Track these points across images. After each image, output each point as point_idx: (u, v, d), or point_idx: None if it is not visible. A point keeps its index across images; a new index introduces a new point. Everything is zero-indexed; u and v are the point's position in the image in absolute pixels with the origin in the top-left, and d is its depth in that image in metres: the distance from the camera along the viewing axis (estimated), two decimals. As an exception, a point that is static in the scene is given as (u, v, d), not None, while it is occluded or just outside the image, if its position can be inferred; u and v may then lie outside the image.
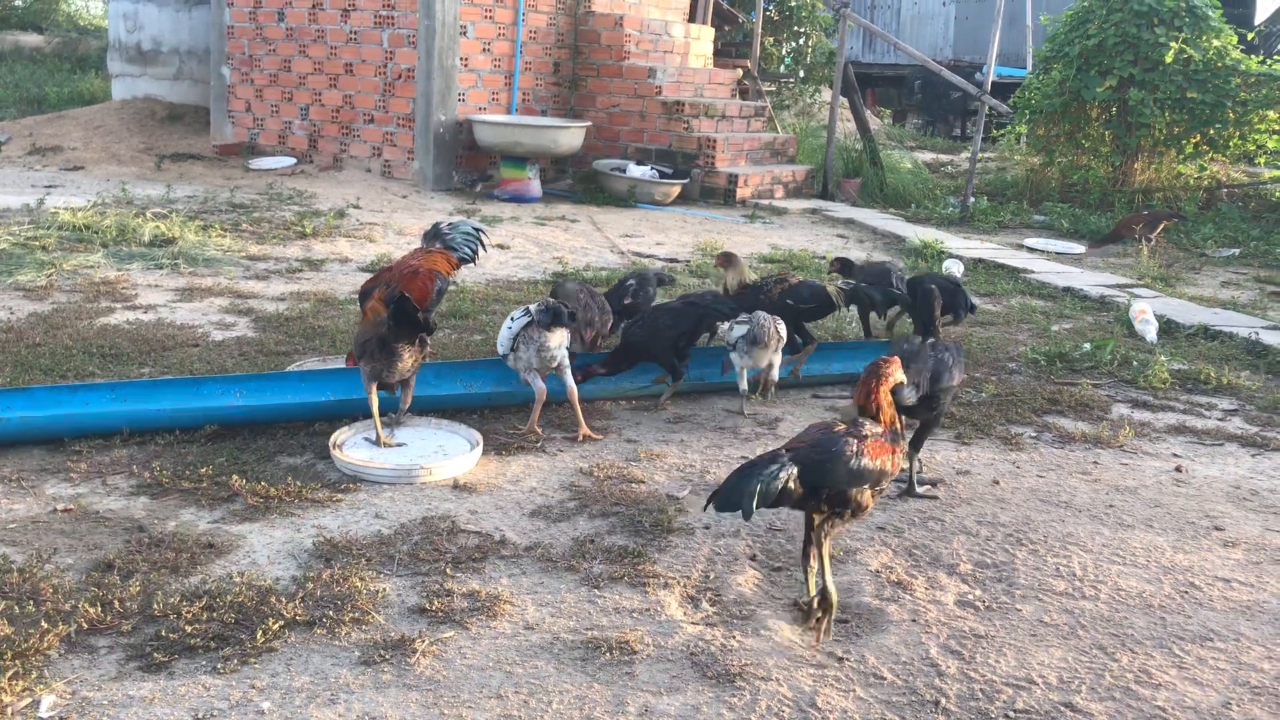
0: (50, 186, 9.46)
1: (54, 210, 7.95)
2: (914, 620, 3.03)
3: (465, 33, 10.62)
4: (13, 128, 12.27)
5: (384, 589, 3.01)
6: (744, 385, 4.70)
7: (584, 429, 4.27)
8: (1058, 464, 4.31)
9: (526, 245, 8.23)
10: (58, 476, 3.63)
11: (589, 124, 11.05)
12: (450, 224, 5.21)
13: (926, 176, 12.29)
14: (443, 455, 3.94)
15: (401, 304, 3.85)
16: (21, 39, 20.22)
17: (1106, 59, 11.06)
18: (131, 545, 3.17)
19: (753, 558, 3.35)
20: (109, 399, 3.97)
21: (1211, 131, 11.14)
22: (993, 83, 11.30)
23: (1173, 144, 11.29)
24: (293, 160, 11.35)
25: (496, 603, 2.97)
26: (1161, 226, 9.39)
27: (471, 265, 4.88)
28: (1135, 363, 5.66)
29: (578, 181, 11.13)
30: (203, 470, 3.67)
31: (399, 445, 4.00)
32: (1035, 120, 12.09)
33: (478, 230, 5.13)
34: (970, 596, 3.18)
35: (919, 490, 3.87)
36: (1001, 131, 14.28)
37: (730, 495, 2.69)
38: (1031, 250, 9.26)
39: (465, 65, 10.69)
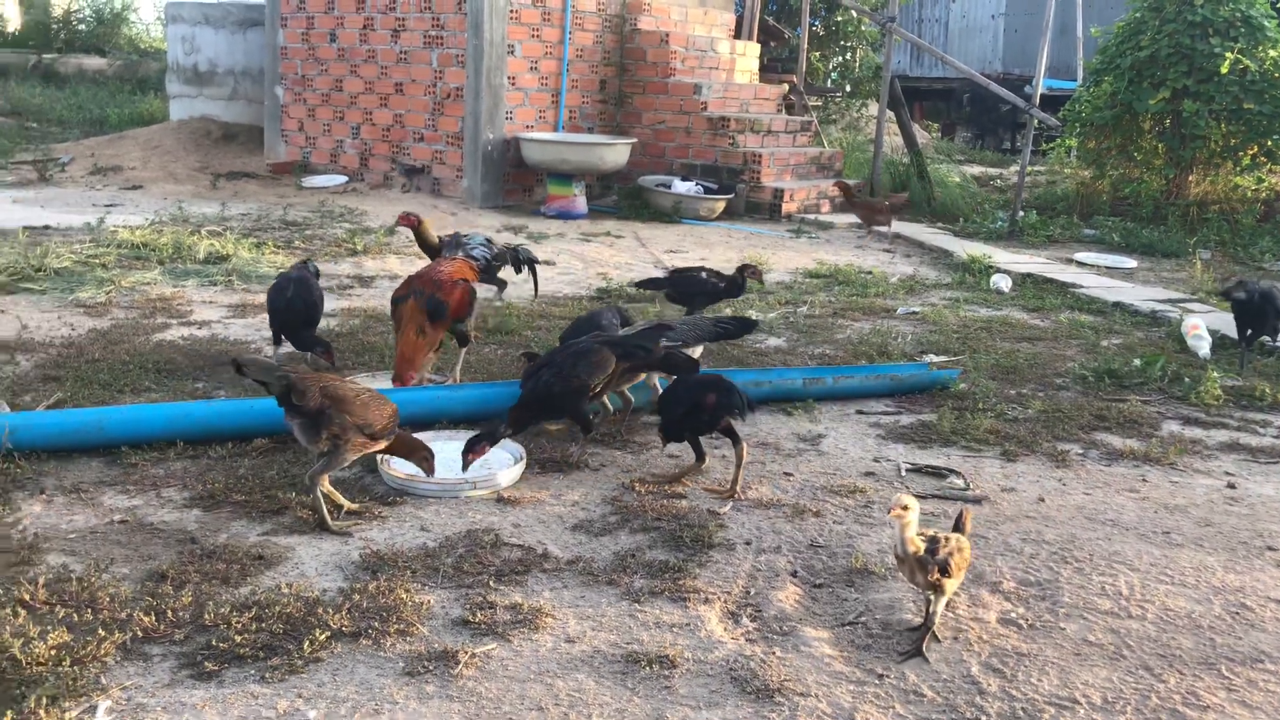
0: (110, 205, 9.71)
1: (113, 229, 8.17)
2: (955, 638, 3.02)
3: (513, 52, 10.76)
4: (76, 148, 12.63)
5: (428, 601, 3.06)
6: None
7: None
8: (1105, 481, 4.26)
9: (572, 261, 8.30)
10: (115, 488, 3.74)
11: (634, 140, 11.12)
12: (467, 235, 5.38)
13: (975, 190, 12.19)
14: (487, 469, 3.99)
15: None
16: (85, 62, 20.82)
17: (1159, 70, 10.91)
18: (184, 556, 3.25)
19: (794, 574, 3.36)
20: None
21: (1269, 143, 10.92)
22: (1042, 95, 11.18)
23: (1229, 156, 11.08)
24: (344, 178, 11.55)
25: (538, 616, 3.00)
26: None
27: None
28: (1187, 379, 5.57)
29: (623, 198, 11.20)
30: (254, 483, 3.76)
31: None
32: (1086, 133, 11.95)
33: (490, 242, 5.31)
34: (1013, 614, 3.16)
35: None
36: (1051, 145, 14.12)
37: None
38: (1081, 265, 9.15)
39: (513, 84, 10.82)
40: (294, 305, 4.95)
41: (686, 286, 5.55)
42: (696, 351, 4.88)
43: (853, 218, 10.99)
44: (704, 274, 5.59)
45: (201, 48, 13.33)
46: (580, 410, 4.11)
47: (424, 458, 3.68)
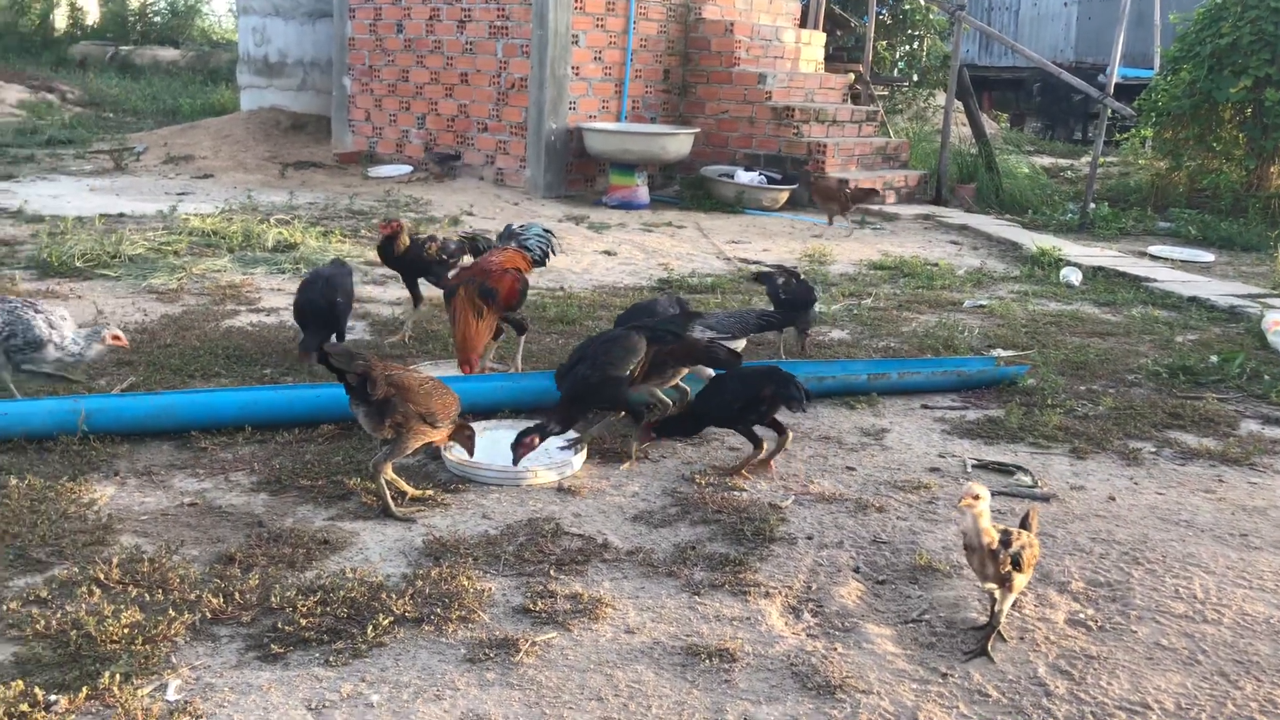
0: (182, 194, 9.92)
1: (185, 216, 8.35)
2: (1021, 638, 2.96)
3: (577, 42, 10.76)
4: (149, 138, 12.92)
5: (490, 588, 3.07)
6: None
7: None
8: (1179, 481, 4.14)
9: (633, 252, 8.29)
10: (185, 471, 3.81)
11: (697, 130, 11.08)
12: (522, 225, 5.40)
13: (1045, 181, 11.94)
14: (547, 457, 4.00)
15: None
16: (159, 53, 21.32)
17: (1241, 58, 10.58)
18: (251, 539, 3.30)
19: (856, 570, 3.31)
20: None
21: (1355, 133, 10.56)
22: (1117, 84, 10.91)
23: (1313, 146, 10.74)
24: (409, 168, 11.67)
25: (598, 606, 3.00)
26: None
27: (549, 267, 5.09)
28: (1267, 377, 5.40)
29: (685, 188, 11.17)
30: (320, 469, 3.81)
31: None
32: (1162, 123, 11.65)
33: (548, 233, 5.32)
34: (1082, 615, 3.09)
35: None
36: (1125, 135, 13.79)
37: None
38: (1155, 258, 8.92)
39: (576, 74, 10.83)
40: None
41: (768, 284, 5.57)
42: (740, 344, 4.83)
43: (920, 209, 10.85)
44: (780, 278, 5.54)
45: (272, 39, 13.54)
46: (624, 398, 4.08)
47: (466, 437, 3.71)
